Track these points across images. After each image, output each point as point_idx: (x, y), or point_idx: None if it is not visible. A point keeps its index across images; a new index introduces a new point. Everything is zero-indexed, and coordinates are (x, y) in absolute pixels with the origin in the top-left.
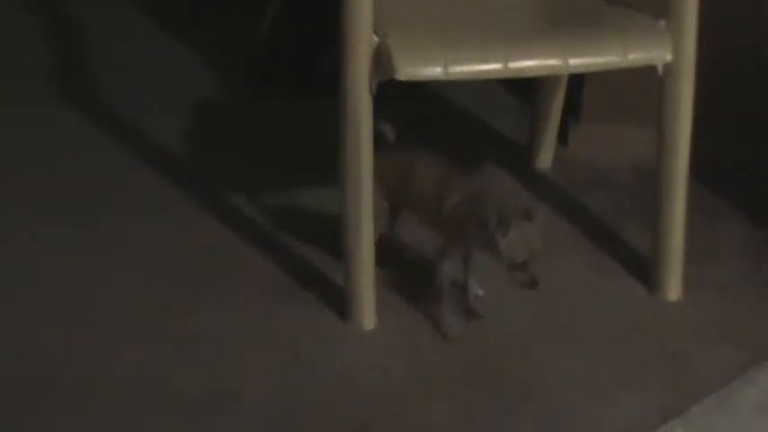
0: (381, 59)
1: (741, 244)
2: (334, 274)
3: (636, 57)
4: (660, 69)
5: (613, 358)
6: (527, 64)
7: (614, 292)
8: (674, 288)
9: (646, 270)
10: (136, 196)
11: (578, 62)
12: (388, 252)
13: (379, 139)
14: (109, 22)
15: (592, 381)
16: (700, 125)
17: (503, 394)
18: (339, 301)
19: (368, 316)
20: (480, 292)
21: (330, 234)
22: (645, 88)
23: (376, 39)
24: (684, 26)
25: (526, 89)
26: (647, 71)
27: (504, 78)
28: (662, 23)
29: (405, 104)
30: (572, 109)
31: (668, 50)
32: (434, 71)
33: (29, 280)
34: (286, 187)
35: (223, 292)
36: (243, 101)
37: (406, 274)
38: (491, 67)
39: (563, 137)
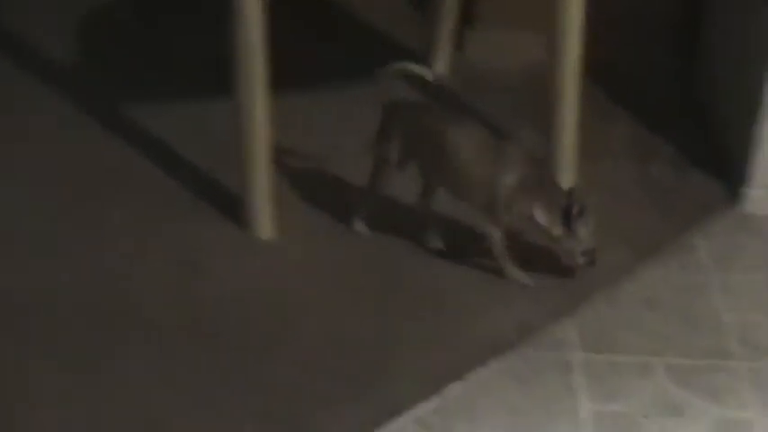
0: None
1: (632, 145)
2: (236, 186)
3: None
4: None
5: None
6: None
7: None
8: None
9: None
10: (26, 114)
11: None
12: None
13: (416, 80)
14: None
15: (487, 284)
16: (593, 29)
17: (402, 301)
18: (239, 213)
19: (266, 225)
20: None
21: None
22: None
23: None
24: None
25: None
26: None
27: None
28: None
29: (300, 18)
30: (467, 15)
31: None
32: None
33: None
34: (181, 100)
35: (121, 206)
36: (133, 13)
37: (308, 184)
38: None
39: (459, 43)
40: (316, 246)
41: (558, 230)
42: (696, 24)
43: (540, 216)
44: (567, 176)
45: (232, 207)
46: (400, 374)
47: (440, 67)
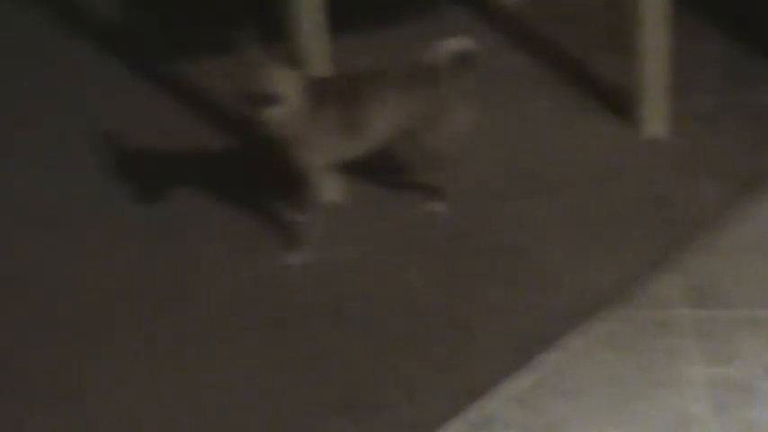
0: None
1: (723, 66)
2: None
3: None
4: None
5: (595, 205)
6: None
7: (592, 131)
8: (655, 122)
9: (627, 105)
10: None
11: None
12: None
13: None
14: None
15: (571, 236)
16: None
17: (475, 264)
18: None
19: None
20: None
21: None
22: None
23: None
24: None
25: None
26: None
27: None
28: None
29: None
30: None
31: None
32: None
33: None
34: None
35: None
36: None
37: None
38: None
39: None
40: (387, 213)
41: None
42: None
43: None
44: (655, 110)
45: None
46: (485, 347)
47: None
